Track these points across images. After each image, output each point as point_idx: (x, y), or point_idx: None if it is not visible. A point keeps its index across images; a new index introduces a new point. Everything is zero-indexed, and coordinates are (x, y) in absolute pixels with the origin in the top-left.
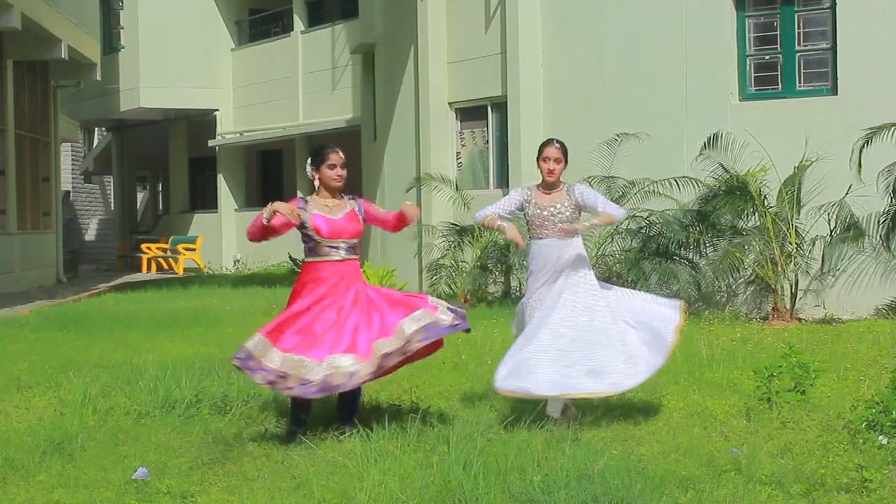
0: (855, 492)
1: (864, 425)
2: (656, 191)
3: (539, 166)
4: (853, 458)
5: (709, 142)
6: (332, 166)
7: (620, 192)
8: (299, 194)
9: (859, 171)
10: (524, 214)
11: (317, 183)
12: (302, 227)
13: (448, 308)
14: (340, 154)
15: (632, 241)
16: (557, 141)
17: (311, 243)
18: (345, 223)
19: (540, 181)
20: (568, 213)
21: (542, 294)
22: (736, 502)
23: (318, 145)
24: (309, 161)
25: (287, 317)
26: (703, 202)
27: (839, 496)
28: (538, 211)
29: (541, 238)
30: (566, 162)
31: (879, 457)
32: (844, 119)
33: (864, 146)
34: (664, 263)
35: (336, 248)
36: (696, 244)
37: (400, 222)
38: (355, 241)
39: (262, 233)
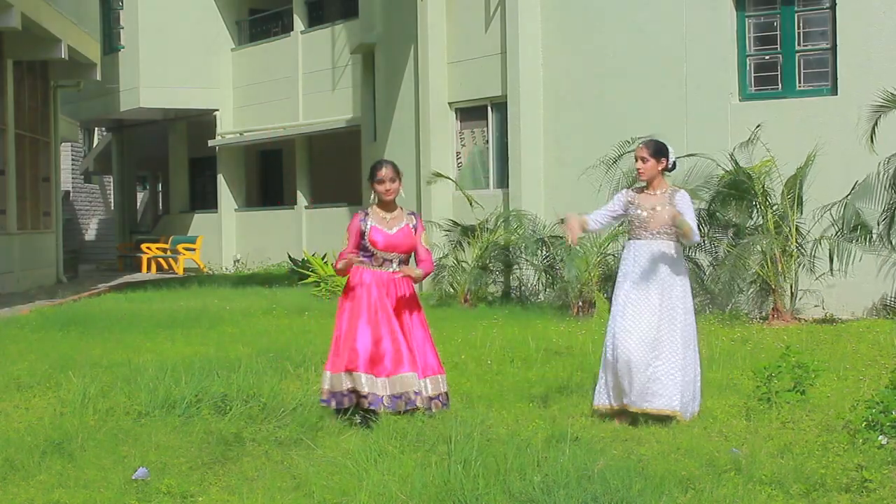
0: (855, 492)
1: (864, 425)
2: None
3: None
4: (853, 458)
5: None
6: (381, 181)
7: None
8: (366, 208)
9: (871, 145)
10: (628, 216)
11: (373, 197)
12: (361, 237)
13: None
14: (389, 169)
15: None
16: (647, 141)
17: (367, 254)
18: (400, 238)
19: (638, 183)
20: (667, 216)
21: (629, 296)
22: (736, 502)
23: (374, 161)
24: (368, 176)
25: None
26: (712, 199)
27: (839, 496)
28: (638, 212)
29: (639, 239)
30: (658, 159)
31: (879, 457)
32: (844, 119)
33: (874, 125)
34: None
35: (389, 260)
36: (700, 242)
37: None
38: (406, 255)
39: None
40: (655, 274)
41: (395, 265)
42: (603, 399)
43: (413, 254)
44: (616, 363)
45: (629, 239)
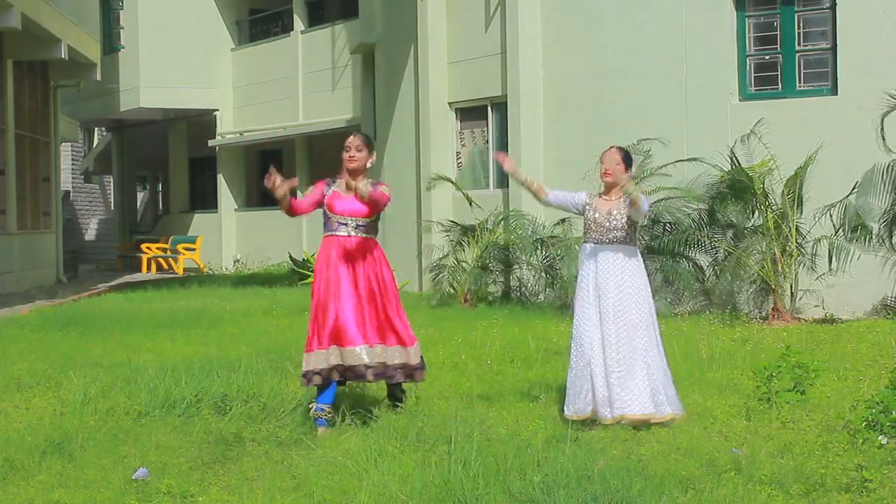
0: (855, 492)
1: (864, 425)
2: (661, 186)
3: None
4: (853, 458)
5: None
6: (347, 149)
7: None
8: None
9: (884, 144)
10: (584, 218)
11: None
12: (321, 199)
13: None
14: (357, 138)
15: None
16: (619, 147)
17: (325, 218)
18: (356, 203)
19: (603, 189)
20: (623, 222)
21: (589, 301)
22: (736, 502)
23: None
24: None
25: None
26: (711, 199)
27: (839, 496)
28: (595, 215)
29: (596, 243)
30: (627, 167)
31: (879, 457)
32: (844, 119)
33: (881, 126)
34: (667, 262)
35: (345, 224)
36: (700, 243)
37: (364, 202)
38: (365, 220)
39: (288, 209)
40: (614, 278)
41: (350, 229)
42: (578, 408)
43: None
44: (585, 371)
45: (585, 242)
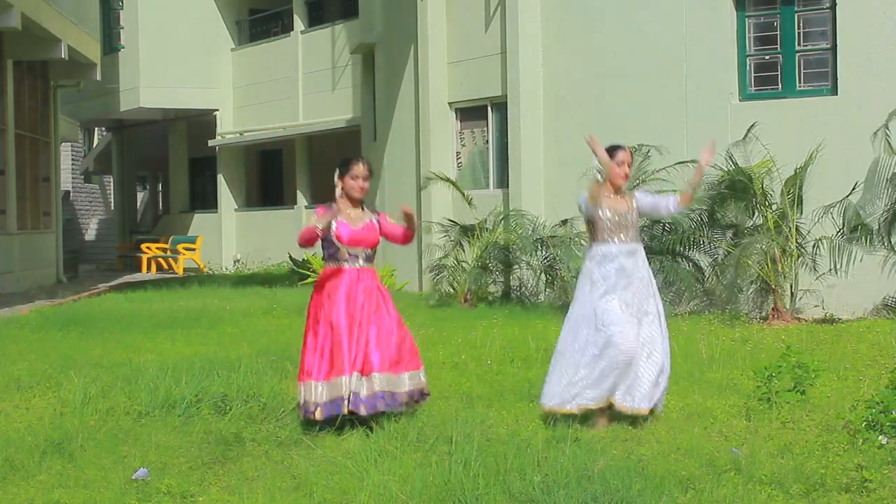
0: (855, 492)
1: (864, 425)
2: (662, 189)
3: (609, 172)
4: (853, 458)
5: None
6: (355, 177)
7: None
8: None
9: (888, 143)
10: (595, 217)
11: (339, 192)
12: (327, 230)
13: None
14: (365, 167)
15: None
16: (627, 148)
17: (332, 249)
18: (364, 233)
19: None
20: (636, 218)
21: (626, 298)
22: (736, 502)
23: (347, 157)
24: (337, 171)
25: (312, 347)
26: (711, 199)
27: (839, 496)
28: (614, 215)
29: (618, 242)
30: None
31: (879, 457)
32: (844, 119)
33: (888, 120)
34: (667, 262)
35: (355, 255)
36: (699, 243)
37: (406, 234)
38: (372, 251)
39: (314, 240)
40: (638, 274)
41: (360, 261)
42: (597, 395)
43: (384, 239)
44: (625, 367)
45: (603, 242)
